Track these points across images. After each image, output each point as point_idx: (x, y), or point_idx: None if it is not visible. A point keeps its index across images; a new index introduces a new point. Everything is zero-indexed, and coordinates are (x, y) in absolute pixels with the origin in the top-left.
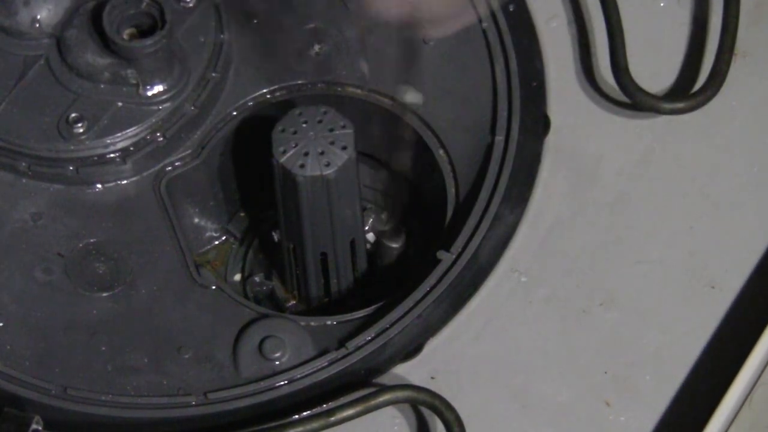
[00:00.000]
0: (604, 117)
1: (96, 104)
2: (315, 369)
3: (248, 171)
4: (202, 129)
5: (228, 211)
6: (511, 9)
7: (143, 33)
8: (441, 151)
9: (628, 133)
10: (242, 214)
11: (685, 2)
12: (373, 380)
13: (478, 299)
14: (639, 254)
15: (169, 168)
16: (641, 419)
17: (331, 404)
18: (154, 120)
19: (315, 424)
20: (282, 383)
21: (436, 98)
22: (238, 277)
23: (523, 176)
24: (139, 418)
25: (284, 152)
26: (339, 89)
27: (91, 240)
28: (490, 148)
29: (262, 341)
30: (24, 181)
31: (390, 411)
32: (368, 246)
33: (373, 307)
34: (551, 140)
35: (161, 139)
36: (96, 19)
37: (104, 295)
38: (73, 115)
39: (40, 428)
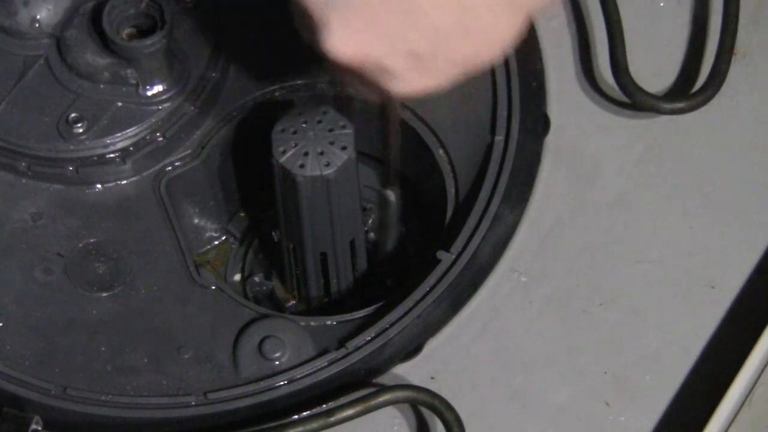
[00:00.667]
0: (604, 117)
1: (96, 104)
2: (315, 369)
3: (248, 171)
4: (202, 129)
5: (228, 211)
6: None
7: (143, 33)
8: (441, 151)
9: (628, 133)
10: (242, 214)
11: (685, 2)
12: (373, 380)
13: (478, 299)
14: (639, 254)
15: (169, 168)
16: (641, 419)
17: (331, 404)
18: (154, 120)
19: (315, 424)
20: (282, 383)
21: (436, 98)
22: (238, 277)
23: (523, 176)
24: (139, 418)
25: (284, 152)
26: (339, 89)
27: (91, 240)
28: (490, 148)
29: (261, 341)
30: (24, 181)
31: (390, 411)
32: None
33: (373, 307)
34: (551, 140)
35: (161, 139)
36: (96, 19)
37: (104, 295)
38: (73, 115)
39: (39, 428)
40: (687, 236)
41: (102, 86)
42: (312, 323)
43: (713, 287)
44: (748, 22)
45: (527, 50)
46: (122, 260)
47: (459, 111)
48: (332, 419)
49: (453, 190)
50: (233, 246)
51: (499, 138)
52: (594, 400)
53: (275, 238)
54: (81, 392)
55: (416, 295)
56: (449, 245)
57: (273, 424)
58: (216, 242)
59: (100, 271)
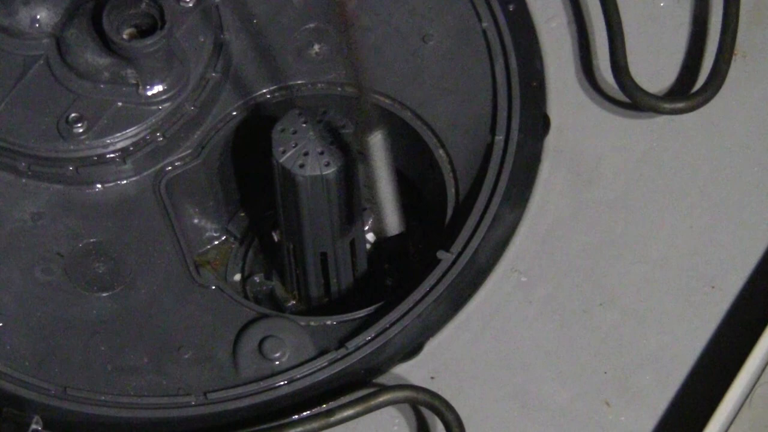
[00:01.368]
0: (604, 117)
1: (96, 104)
2: (315, 369)
3: (248, 171)
4: (202, 129)
5: (228, 211)
6: (511, 9)
7: (143, 33)
8: (441, 151)
9: (628, 133)
10: (242, 214)
11: (685, 2)
12: (373, 380)
13: (478, 299)
14: (639, 254)
15: (169, 168)
16: (641, 419)
17: (331, 404)
18: (153, 120)
19: (315, 424)
20: (282, 383)
21: (436, 98)
22: (238, 277)
23: (523, 176)
24: (139, 418)
25: (284, 152)
26: (339, 89)
27: (91, 240)
28: (489, 147)
29: (261, 341)
30: (24, 181)
31: (390, 411)
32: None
33: (373, 307)
34: (551, 140)
35: (161, 139)
36: (96, 19)
37: (104, 295)
38: (73, 115)
39: (39, 428)
40: (687, 236)
41: (102, 86)
42: (312, 323)
43: (713, 287)
44: (748, 22)
45: (527, 50)
46: (122, 260)
47: (459, 111)
48: (332, 419)
49: (453, 190)
50: (233, 246)
51: (499, 138)
52: (594, 400)
53: (275, 238)
54: (81, 392)
55: (416, 295)
56: (449, 245)
57: (273, 424)
58: (216, 242)
59: (100, 271)
